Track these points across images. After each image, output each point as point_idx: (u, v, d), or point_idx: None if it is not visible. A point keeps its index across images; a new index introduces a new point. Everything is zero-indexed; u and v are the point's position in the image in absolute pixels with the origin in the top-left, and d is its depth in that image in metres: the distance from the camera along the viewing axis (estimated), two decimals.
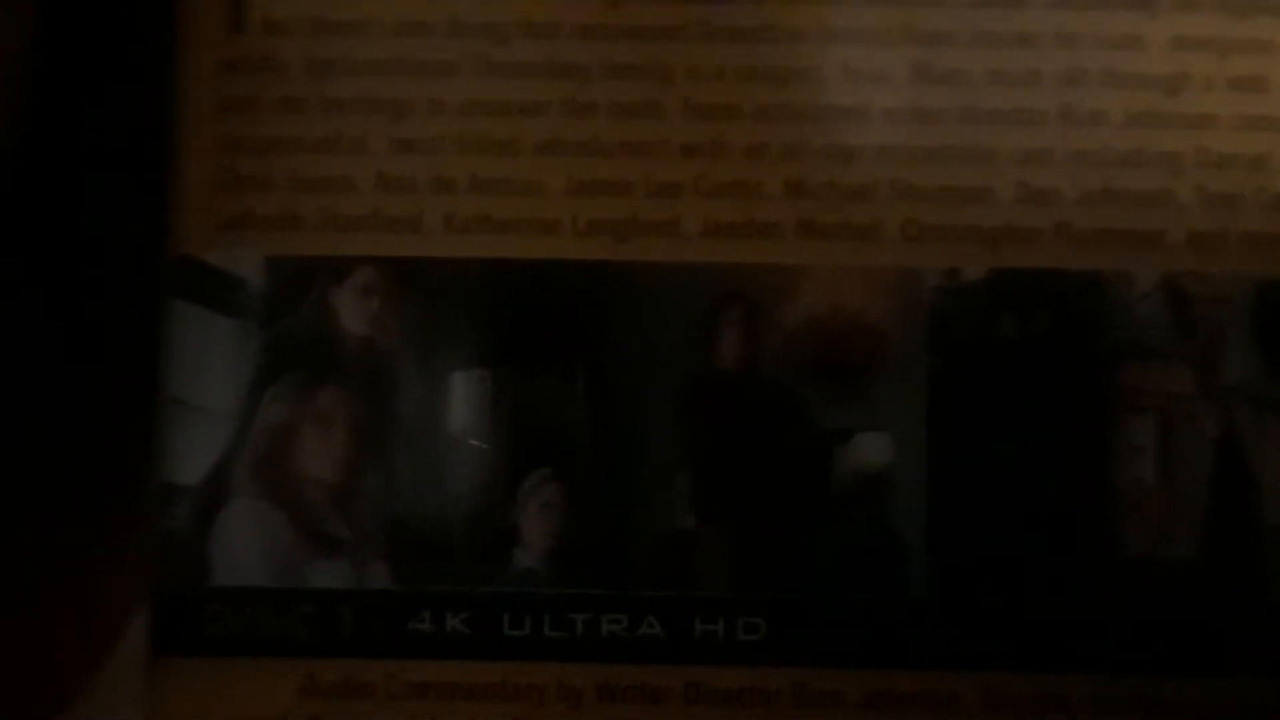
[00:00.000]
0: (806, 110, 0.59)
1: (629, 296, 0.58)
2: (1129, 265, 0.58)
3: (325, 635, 0.58)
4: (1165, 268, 0.58)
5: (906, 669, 0.57)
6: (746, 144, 0.59)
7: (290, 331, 0.59)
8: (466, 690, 0.57)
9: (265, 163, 0.59)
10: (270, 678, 0.57)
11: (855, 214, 0.58)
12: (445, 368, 0.58)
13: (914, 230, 0.58)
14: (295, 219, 0.58)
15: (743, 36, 0.59)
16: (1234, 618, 0.57)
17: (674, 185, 0.58)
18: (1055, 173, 0.58)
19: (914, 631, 0.57)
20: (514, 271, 0.58)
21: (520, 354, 0.58)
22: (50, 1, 0.60)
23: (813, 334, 0.58)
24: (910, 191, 0.58)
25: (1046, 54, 0.59)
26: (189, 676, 0.57)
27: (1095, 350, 0.58)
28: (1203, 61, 0.59)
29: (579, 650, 0.57)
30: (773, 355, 0.58)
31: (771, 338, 0.58)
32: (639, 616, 0.57)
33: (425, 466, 0.58)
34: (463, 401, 0.58)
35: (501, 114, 0.59)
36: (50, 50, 0.60)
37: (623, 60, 0.59)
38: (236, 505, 0.58)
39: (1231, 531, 0.57)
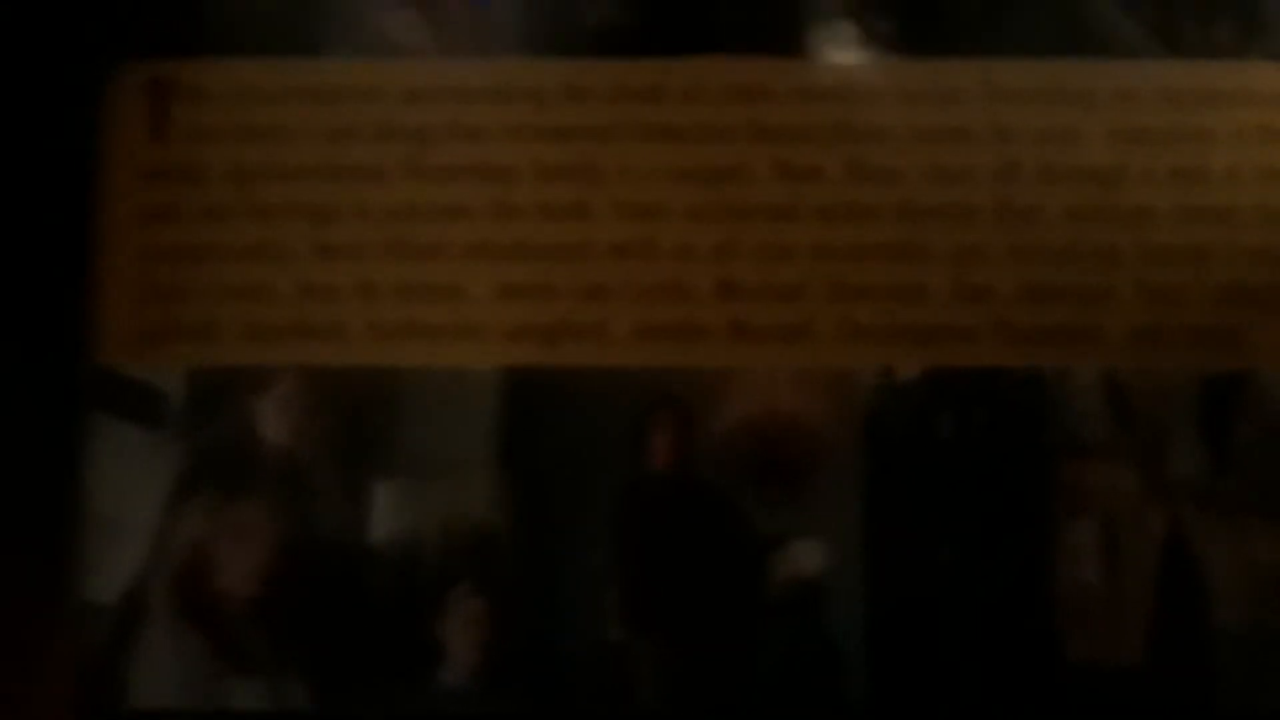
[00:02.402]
0: (739, 208, 0.63)
1: (557, 402, 0.62)
2: (1068, 362, 0.61)
3: None
4: (1106, 363, 0.61)
5: None
6: (677, 244, 0.63)
7: (210, 443, 0.62)
8: None
9: (187, 271, 0.62)
10: None
11: (788, 314, 0.61)
12: (368, 478, 0.62)
13: (848, 329, 0.61)
14: (216, 328, 0.62)
15: (674, 135, 0.63)
16: None
17: (602, 287, 0.62)
18: (991, 269, 0.62)
19: None
20: (439, 379, 0.61)
21: (444, 462, 0.61)
22: None
23: (746, 437, 0.61)
24: (844, 290, 0.61)
25: (982, 148, 0.62)
26: None
27: (1036, 449, 0.61)
28: (1142, 153, 0.62)
29: None
30: (705, 459, 0.61)
31: (704, 442, 0.61)
32: None
33: (346, 580, 0.60)
34: (385, 513, 0.60)
35: (428, 218, 0.63)
36: None
37: (551, 161, 0.62)
38: (154, 626, 0.61)
39: (1179, 635, 0.59)
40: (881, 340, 0.61)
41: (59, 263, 0.63)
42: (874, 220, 0.62)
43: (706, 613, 0.60)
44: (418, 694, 0.60)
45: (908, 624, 0.60)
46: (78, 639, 0.61)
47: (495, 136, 0.63)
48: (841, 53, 0.65)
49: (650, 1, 0.65)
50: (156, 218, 0.63)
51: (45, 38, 0.65)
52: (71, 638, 0.61)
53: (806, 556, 0.60)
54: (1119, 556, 0.60)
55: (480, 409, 0.62)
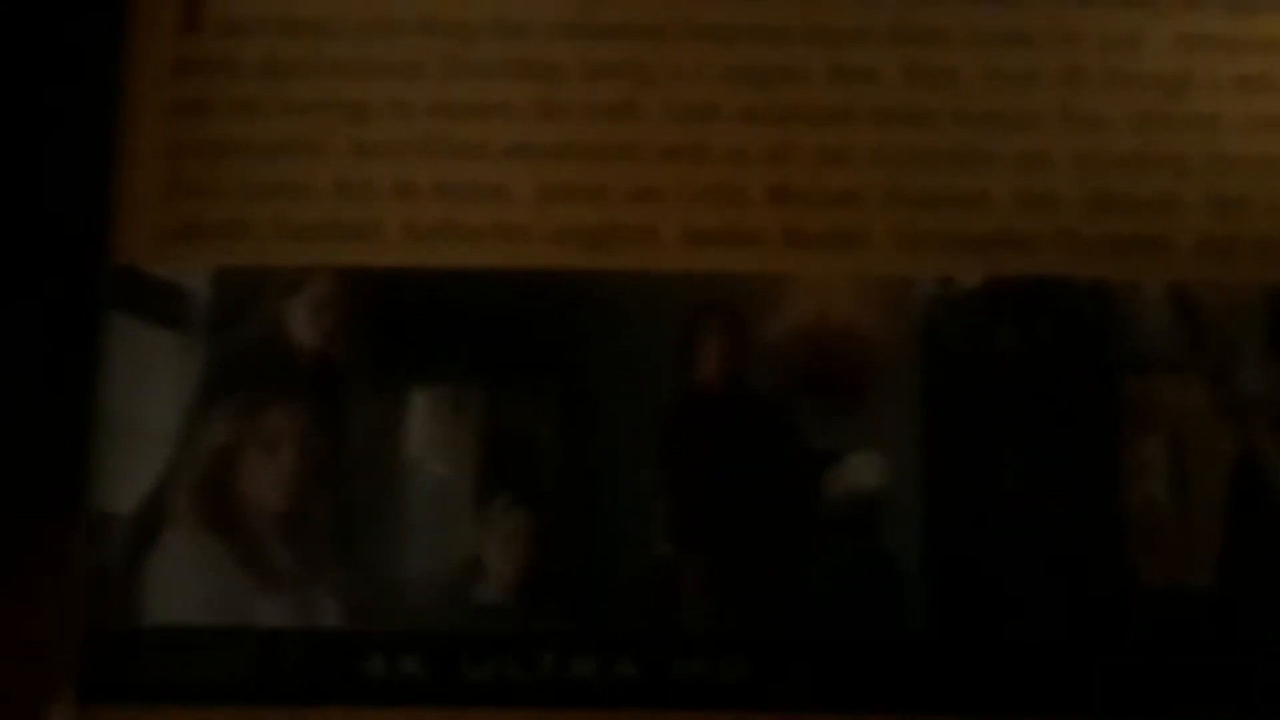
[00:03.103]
0: (792, 111, 0.61)
1: (603, 308, 0.60)
2: (1135, 273, 0.60)
3: (270, 679, 0.57)
4: (1173, 276, 0.60)
5: (903, 713, 0.57)
6: (729, 146, 0.61)
7: (238, 346, 0.60)
8: None
9: (216, 167, 0.61)
10: None
11: (844, 219, 0.60)
12: (404, 386, 0.60)
13: (906, 237, 0.60)
14: (246, 227, 0.60)
15: (725, 34, 0.62)
16: (1256, 651, 0.57)
17: (652, 190, 0.61)
18: (1055, 176, 0.61)
19: (910, 671, 0.57)
20: (480, 282, 0.60)
21: (486, 371, 0.60)
22: None
23: (799, 347, 0.59)
24: (902, 196, 0.60)
25: (1045, 52, 0.61)
26: None
27: (1101, 364, 0.60)
28: (1208, 60, 0.61)
29: (546, 694, 0.57)
30: (757, 370, 0.60)
31: (755, 351, 0.60)
32: (611, 657, 0.58)
33: (380, 493, 0.59)
34: (422, 422, 0.59)
35: (469, 116, 0.61)
36: None
37: (598, 59, 0.61)
38: (174, 535, 0.59)
39: (1251, 557, 0.57)
40: (940, 248, 0.60)
41: (81, 157, 0.61)
42: (933, 124, 0.61)
43: (758, 529, 0.59)
44: (454, 612, 0.58)
45: (968, 543, 0.58)
46: (93, 549, 0.59)
47: (540, 32, 0.62)
48: None
49: None
50: (185, 111, 0.61)
51: None
52: (87, 548, 0.59)
53: (863, 471, 0.59)
54: (1188, 475, 0.58)
55: (522, 314, 0.60)
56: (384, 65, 0.61)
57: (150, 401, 0.60)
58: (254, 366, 0.60)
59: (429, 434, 0.60)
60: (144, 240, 0.60)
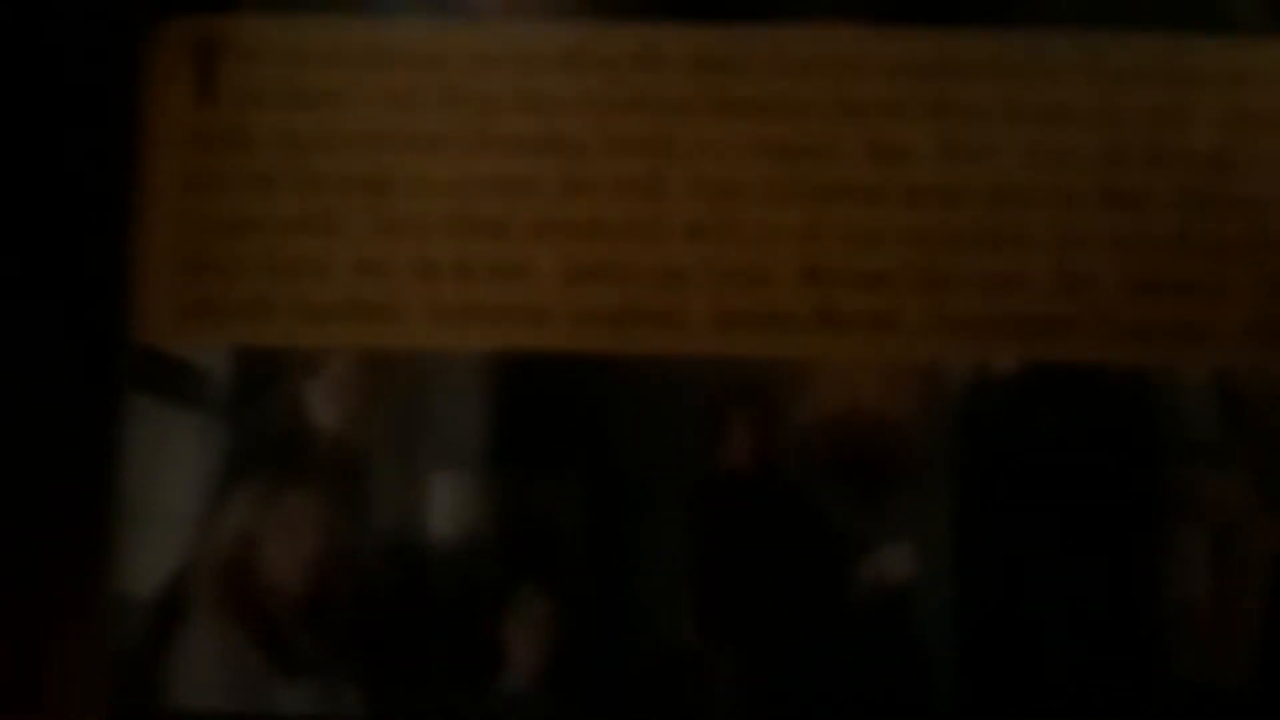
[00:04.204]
0: (824, 188, 0.60)
1: (629, 391, 0.60)
2: (1177, 360, 0.60)
3: None
4: (1217, 362, 0.59)
5: None
6: (758, 225, 0.61)
7: (258, 428, 0.60)
8: None
9: (235, 244, 0.60)
10: None
11: (876, 302, 0.59)
12: (426, 469, 0.60)
13: (940, 320, 0.59)
14: (266, 305, 0.60)
15: (754, 108, 0.61)
16: None
17: (679, 270, 0.60)
18: (1094, 257, 0.60)
19: None
20: (503, 364, 0.60)
21: (509, 454, 0.60)
22: (7, 60, 0.61)
23: (830, 433, 0.59)
24: (936, 277, 0.60)
25: (1085, 129, 0.60)
26: None
27: (1140, 452, 0.60)
28: (1255, 138, 0.60)
29: None
30: (787, 456, 0.59)
31: (785, 437, 0.59)
32: None
33: (403, 578, 0.58)
34: (445, 506, 0.58)
35: (493, 192, 0.61)
36: (3, 111, 0.61)
37: (624, 134, 0.60)
38: (195, 620, 0.59)
39: None
40: (975, 332, 0.59)
41: (98, 234, 0.61)
42: (968, 203, 0.60)
43: (787, 619, 0.58)
44: (477, 700, 0.58)
45: (1001, 635, 0.58)
46: (114, 634, 0.59)
47: (565, 106, 0.61)
48: (930, 24, 0.62)
49: None
50: (202, 186, 0.61)
51: None
52: (107, 632, 0.59)
53: (894, 561, 0.58)
54: (1228, 570, 0.58)
55: (548, 397, 0.59)
56: (405, 139, 0.61)
57: (170, 483, 0.60)
58: (274, 449, 0.60)
59: (452, 519, 0.59)
60: (163, 319, 0.60)
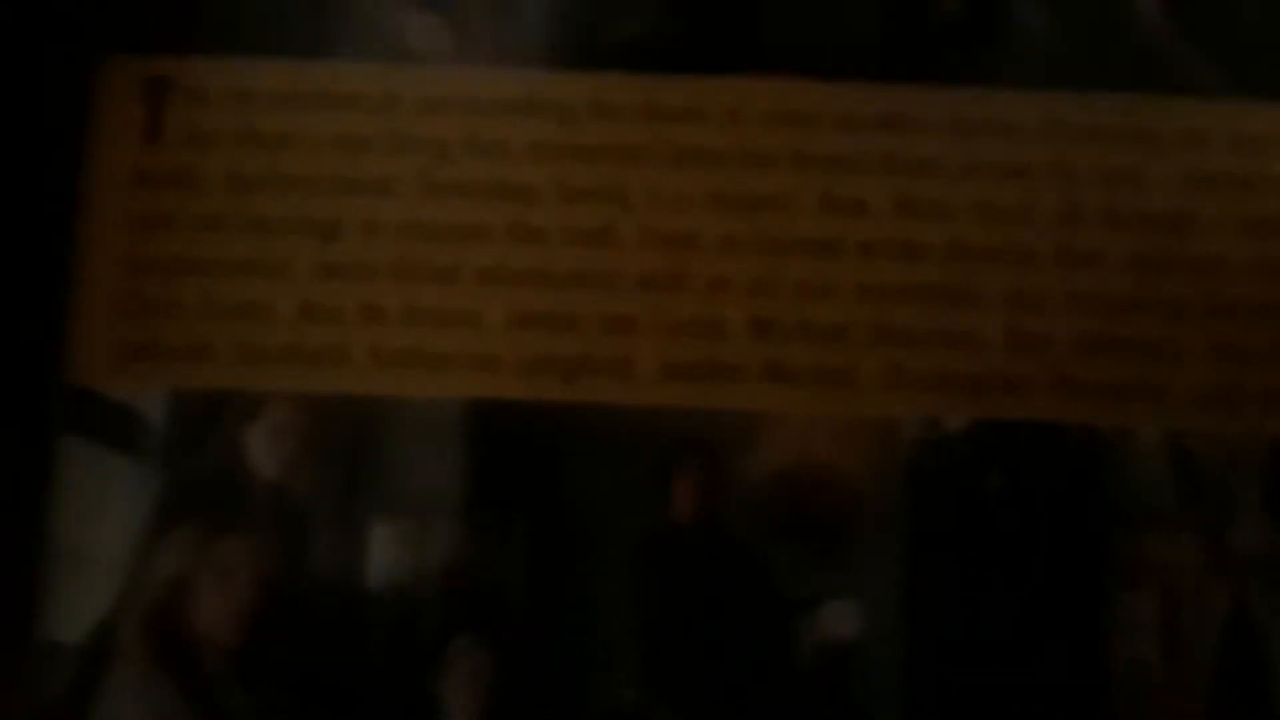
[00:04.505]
0: (777, 241, 0.60)
1: (575, 442, 0.59)
2: (1130, 421, 0.59)
3: None
4: (1170, 424, 0.59)
5: None
6: (709, 276, 0.60)
7: (194, 473, 0.59)
8: None
9: (177, 285, 0.59)
10: None
11: (827, 356, 0.58)
12: (365, 516, 0.59)
13: (892, 376, 0.58)
14: (205, 348, 0.59)
15: (709, 159, 0.60)
16: None
17: (628, 320, 0.59)
18: (1049, 317, 0.59)
19: None
20: (447, 411, 0.59)
21: (451, 503, 0.59)
22: None
23: (778, 488, 0.58)
24: (889, 333, 0.59)
25: (1042, 187, 0.59)
26: None
27: (1091, 514, 0.59)
28: (1213, 200, 0.59)
29: None
30: (733, 511, 0.58)
31: (732, 491, 0.58)
32: None
33: (340, 628, 0.57)
34: (384, 556, 0.57)
35: (441, 238, 0.60)
36: None
37: (576, 182, 0.60)
38: (123, 670, 0.57)
39: (1241, 718, 0.55)
40: (927, 388, 0.58)
41: (36, 272, 0.59)
42: (922, 259, 0.60)
43: (731, 677, 0.57)
44: None
45: (948, 696, 0.57)
46: (39, 683, 0.57)
47: (517, 153, 0.60)
48: (887, 80, 0.61)
49: (689, 15, 0.62)
50: (145, 226, 0.60)
51: (29, 27, 0.61)
52: (32, 681, 0.57)
53: (841, 619, 0.57)
54: (1179, 634, 0.57)
55: (491, 445, 0.58)
56: (353, 182, 0.60)
57: (102, 528, 0.58)
58: (210, 494, 0.59)
59: (391, 568, 0.58)
60: (99, 360, 0.59)
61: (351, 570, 0.58)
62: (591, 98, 0.61)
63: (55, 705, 0.57)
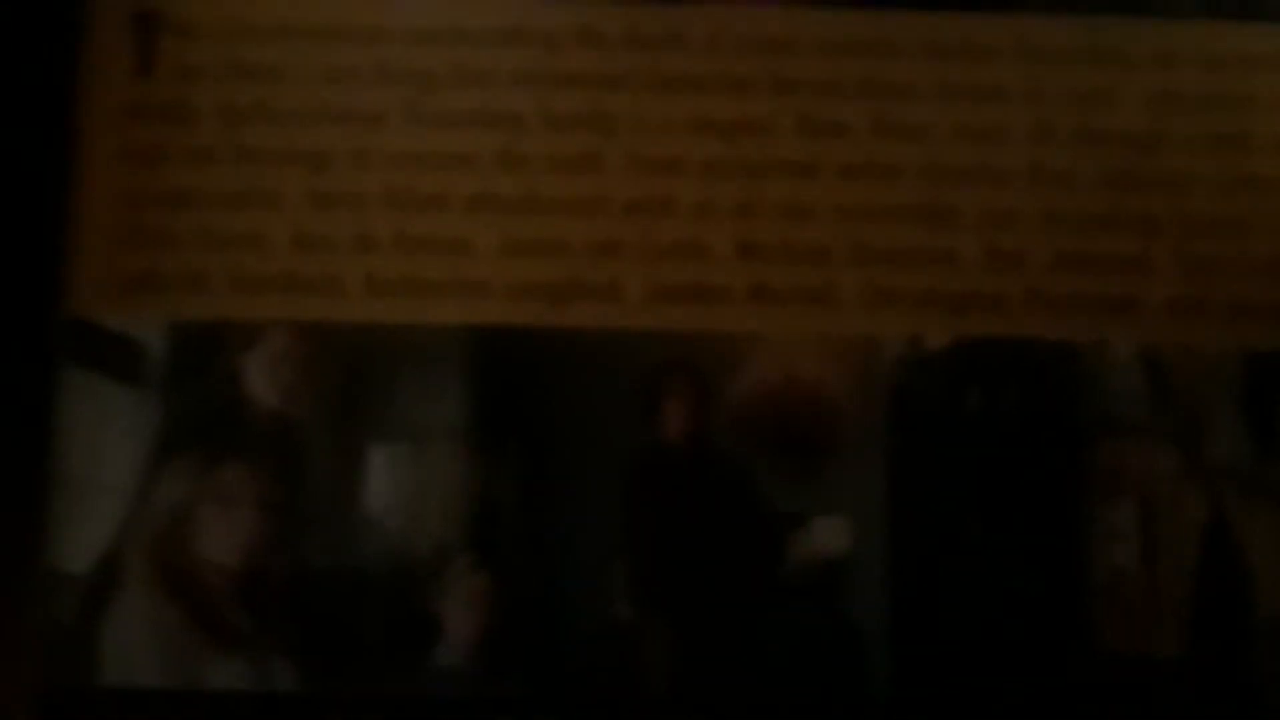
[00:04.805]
0: (759, 164, 0.60)
1: (565, 365, 0.59)
2: (1104, 334, 0.59)
3: None
4: (1144, 337, 0.59)
5: None
6: (694, 201, 0.60)
7: (194, 402, 0.59)
8: None
9: (171, 217, 0.59)
10: None
11: (810, 277, 0.59)
12: (363, 442, 0.59)
13: (873, 295, 0.58)
14: (203, 279, 0.59)
15: (691, 85, 0.60)
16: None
17: (615, 245, 0.60)
18: (1024, 234, 0.60)
19: None
20: (440, 337, 0.59)
21: (446, 428, 0.59)
22: None
23: (764, 407, 0.58)
24: (869, 253, 0.59)
25: (1015, 108, 0.59)
26: None
27: (1070, 427, 0.59)
28: (1181, 118, 0.60)
29: None
30: (721, 430, 0.59)
31: (720, 411, 0.59)
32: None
33: (338, 551, 0.58)
34: (381, 479, 0.57)
35: (430, 167, 0.60)
36: None
37: (561, 110, 0.59)
38: (128, 595, 0.57)
39: (1219, 625, 0.56)
40: (908, 307, 0.59)
41: (33, 206, 0.59)
42: (900, 180, 0.60)
43: (721, 592, 0.58)
44: (412, 674, 0.57)
45: (933, 608, 0.58)
46: (45, 610, 0.57)
47: (503, 82, 0.60)
48: (863, 5, 0.61)
49: None
50: (139, 159, 0.60)
51: None
52: (39, 608, 0.57)
53: (827, 535, 0.58)
54: (1157, 541, 0.57)
55: (483, 370, 0.59)
56: (343, 114, 0.60)
57: (105, 457, 0.58)
58: (210, 423, 0.59)
59: (388, 492, 0.58)
60: (97, 292, 0.59)
61: (350, 495, 0.58)
62: (576, 25, 0.61)
63: (63, 632, 0.57)
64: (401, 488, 0.58)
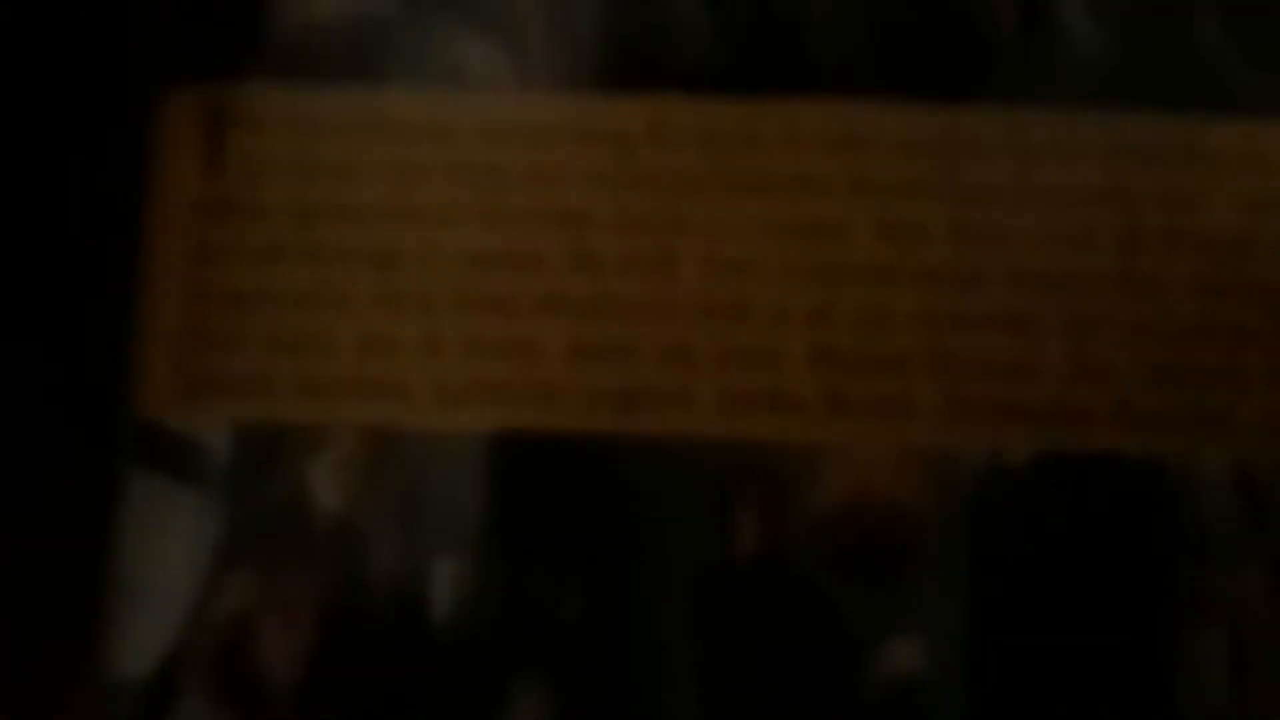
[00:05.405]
0: (836, 269, 0.57)
1: (634, 475, 0.56)
2: (1195, 450, 0.55)
3: None
4: (1236, 454, 0.55)
5: None
6: (769, 305, 0.57)
7: (257, 507, 0.56)
8: None
9: (239, 317, 0.56)
10: None
11: (888, 386, 0.55)
12: (428, 553, 0.55)
13: (953, 406, 0.55)
14: (269, 381, 0.56)
15: (767, 186, 0.57)
16: None
17: (687, 350, 0.56)
18: (1111, 344, 0.56)
19: None
20: (509, 445, 0.56)
21: (513, 539, 0.56)
22: (12, 125, 0.56)
23: (840, 522, 0.55)
24: (949, 362, 0.56)
25: (1102, 211, 0.55)
26: None
27: (1156, 548, 0.55)
28: (1274, 220, 0.55)
29: None
30: (795, 545, 0.55)
31: (794, 525, 0.55)
32: None
33: (400, 665, 0.54)
34: (445, 591, 0.54)
35: (500, 266, 0.56)
36: (6, 178, 0.57)
37: (634, 210, 0.56)
38: (188, 705, 0.54)
39: None
40: (988, 418, 0.55)
41: (101, 304, 0.56)
42: (982, 286, 0.56)
43: (795, 714, 0.53)
44: None
45: None
46: (107, 717, 0.54)
47: (574, 180, 0.57)
48: (943, 101, 0.57)
49: (747, 37, 0.58)
50: (208, 258, 0.57)
51: (90, 57, 0.58)
52: (97, 716, 0.54)
53: (904, 656, 0.54)
54: (1250, 674, 0.53)
55: (551, 478, 0.55)
56: (413, 212, 0.57)
57: (166, 563, 0.55)
58: (273, 529, 0.56)
59: (451, 605, 0.55)
60: (163, 393, 0.56)
61: (415, 607, 0.55)
62: (648, 122, 0.57)
63: None
64: (467, 601, 0.55)
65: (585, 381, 0.55)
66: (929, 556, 0.54)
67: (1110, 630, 0.54)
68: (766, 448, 0.55)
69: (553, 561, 0.55)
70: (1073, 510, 0.54)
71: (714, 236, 0.56)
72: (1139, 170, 0.56)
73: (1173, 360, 0.55)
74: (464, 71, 0.58)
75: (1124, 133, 0.57)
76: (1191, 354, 0.55)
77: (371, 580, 0.55)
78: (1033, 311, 0.55)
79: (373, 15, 0.59)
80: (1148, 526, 0.54)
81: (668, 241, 0.56)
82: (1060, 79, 0.58)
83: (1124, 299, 0.55)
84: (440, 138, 0.57)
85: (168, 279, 0.57)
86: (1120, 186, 0.56)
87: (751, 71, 0.58)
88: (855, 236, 0.56)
